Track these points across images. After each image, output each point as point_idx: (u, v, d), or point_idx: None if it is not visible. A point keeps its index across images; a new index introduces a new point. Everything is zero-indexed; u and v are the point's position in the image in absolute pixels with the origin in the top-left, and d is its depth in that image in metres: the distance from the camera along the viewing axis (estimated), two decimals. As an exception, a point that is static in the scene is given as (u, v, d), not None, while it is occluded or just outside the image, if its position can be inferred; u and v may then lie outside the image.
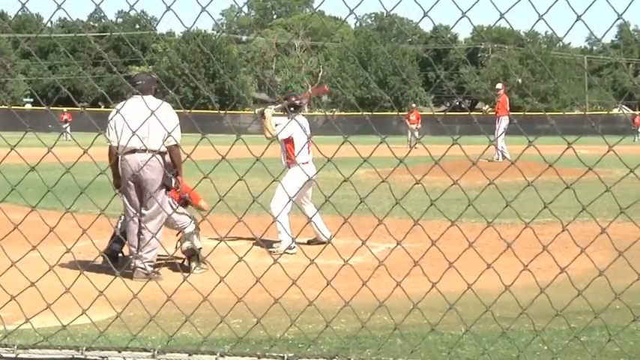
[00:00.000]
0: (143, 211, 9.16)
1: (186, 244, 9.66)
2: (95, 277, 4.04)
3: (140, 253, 9.11)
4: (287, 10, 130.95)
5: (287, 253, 10.00)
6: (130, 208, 9.20)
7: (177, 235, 9.96)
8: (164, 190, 9.28)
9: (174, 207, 9.53)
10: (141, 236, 9.25)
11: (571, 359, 5.05)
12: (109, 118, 9.28)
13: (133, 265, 9.01)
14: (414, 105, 52.52)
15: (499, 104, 27.84)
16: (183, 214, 9.65)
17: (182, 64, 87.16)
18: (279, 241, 11.12)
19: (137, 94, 9.06)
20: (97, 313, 4.49)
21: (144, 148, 8.70)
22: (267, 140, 11.07)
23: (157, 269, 9.10)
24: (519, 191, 3.68)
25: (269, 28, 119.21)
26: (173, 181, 9.46)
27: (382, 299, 3.81)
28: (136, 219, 9.14)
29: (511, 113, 30.27)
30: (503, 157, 26.49)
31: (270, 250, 10.64)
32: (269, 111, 11.95)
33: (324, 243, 11.15)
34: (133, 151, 8.88)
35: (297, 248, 10.18)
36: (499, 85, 30.50)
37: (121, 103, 9.16)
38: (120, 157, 9.08)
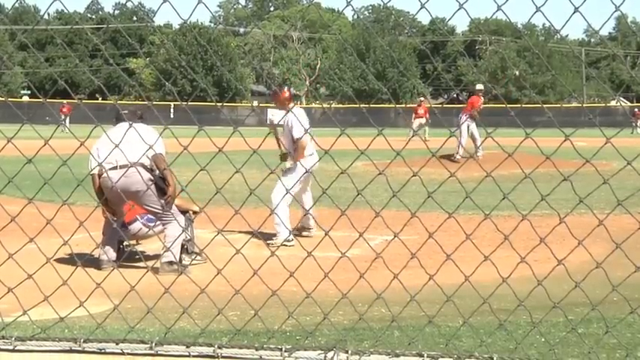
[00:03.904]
0: (160, 225, 9.49)
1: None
2: (92, 270, 4.05)
3: (166, 245, 9.28)
4: (284, 2, 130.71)
5: (285, 245, 9.99)
6: (113, 214, 9.35)
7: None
8: (160, 192, 9.42)
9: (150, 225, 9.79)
10: (163, 234, 9.51)
11: (568, 351, 5.05)
12: (92, 149, 9.41)
13: (99, 258, 9.23)
14: (422, 98, 51.73)
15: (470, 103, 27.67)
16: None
17: (179, 56, 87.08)
18: (278, 233, 11.13)
19: (119, 122, 9.69)
20: (94, 305, 4.49)
21: (126, 163, 8.89)
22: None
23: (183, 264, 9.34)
24: (517, 183, 3.68)
25: (267, 21, 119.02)
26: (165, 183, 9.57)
27: (379, 291, 3.81)
28: (116, 223, 9.35)
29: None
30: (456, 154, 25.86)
31: (269, 242, 10.64)
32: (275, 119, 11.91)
33: (308, 230, 11.36)
34: (115, 167, 9.09)
35: (295, 241, 10.18)
36: (480, 86, 29.86)
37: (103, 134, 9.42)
38: (103, 178, 9.29)
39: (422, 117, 45.80)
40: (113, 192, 9.04)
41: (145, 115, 10.48)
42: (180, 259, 9.57)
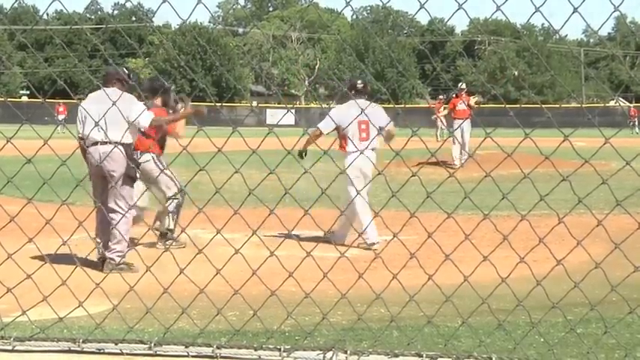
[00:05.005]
0: (110, 204, 9.17)
1: (158, 222, 9.84)
2: (91, 270, 4.05)
3: (110, 244, 9.15)
4: (283, 3, 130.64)
5: (371, 248, 9.18)
6: (96, 200, 9.19)
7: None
8: (130, 182, 9.28)
9: (162, 166, 9.75)
10: (111, 228, 9.25)
11: (567, 351, 5.05)
12: (79, 110, 9.35)
13: (99, 255, 9.04)
14: (441, 97, 51.00)
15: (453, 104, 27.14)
16: (172, 179, 9.85)
17: (179, 56, 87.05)
18: (367, 238, 9.99)
19: (104, 86, 9.20)
20: (93, 305, 4.49)
21: (105, 139, 8.74)
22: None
23: (128, 262, 9.09)
24: (516, 183, 3.68)
25: (266, 21, 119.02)
26: (137, 173, 9.47)
27: (378, 291, 3.81)
28: (101, 212, 9.18)
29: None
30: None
31: (373, 248, 9.58)
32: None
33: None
34: (95, 143, 8.92)
35: (295, 241, 9.87)
36: (462, 85, 29.29)
37: (89, 95, 9.27)
38: (86, 149, 9.13)
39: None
40: (94, 169, 8.91)
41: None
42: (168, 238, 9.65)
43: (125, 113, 8.36)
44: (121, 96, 8.52)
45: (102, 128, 8.35)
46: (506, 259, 3.71)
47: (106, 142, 8.81)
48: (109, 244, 9.13)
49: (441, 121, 44.15)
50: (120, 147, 8.86)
